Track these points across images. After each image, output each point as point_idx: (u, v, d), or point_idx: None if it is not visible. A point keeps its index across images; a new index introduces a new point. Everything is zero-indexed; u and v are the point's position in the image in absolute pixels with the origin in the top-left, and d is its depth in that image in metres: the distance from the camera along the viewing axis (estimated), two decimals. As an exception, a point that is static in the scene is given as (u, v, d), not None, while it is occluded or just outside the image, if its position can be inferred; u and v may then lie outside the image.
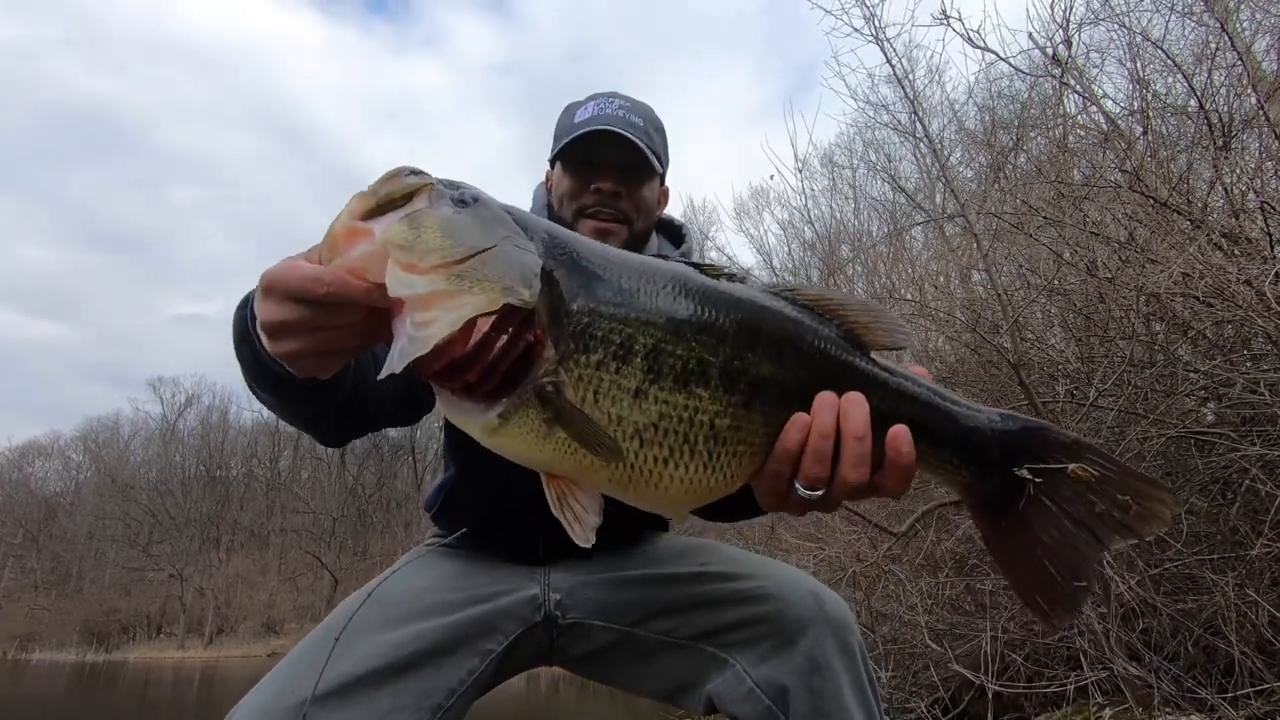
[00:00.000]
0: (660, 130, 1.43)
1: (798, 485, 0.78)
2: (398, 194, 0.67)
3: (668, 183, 1.50)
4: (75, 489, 48.07)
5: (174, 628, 38.22)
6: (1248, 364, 3.35)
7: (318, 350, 0.71)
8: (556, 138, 1.41)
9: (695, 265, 0.81)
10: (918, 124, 6.39)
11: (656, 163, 1.36)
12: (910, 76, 6.00)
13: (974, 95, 7.84)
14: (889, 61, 5.39)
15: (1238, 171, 3.76)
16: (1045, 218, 4.20)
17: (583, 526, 0.72)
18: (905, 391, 0.81)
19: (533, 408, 0.68)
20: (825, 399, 0.77)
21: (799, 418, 0.76)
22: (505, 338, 0.65)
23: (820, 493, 0.78)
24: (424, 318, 0.63)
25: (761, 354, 0.76)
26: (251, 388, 0.93)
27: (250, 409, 47.41)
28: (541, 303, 0.68)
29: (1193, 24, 4.89)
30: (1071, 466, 0.77)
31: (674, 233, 1.53)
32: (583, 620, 1.26)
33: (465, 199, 0.70)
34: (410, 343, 0.63)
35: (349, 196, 0.66)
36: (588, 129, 1.32)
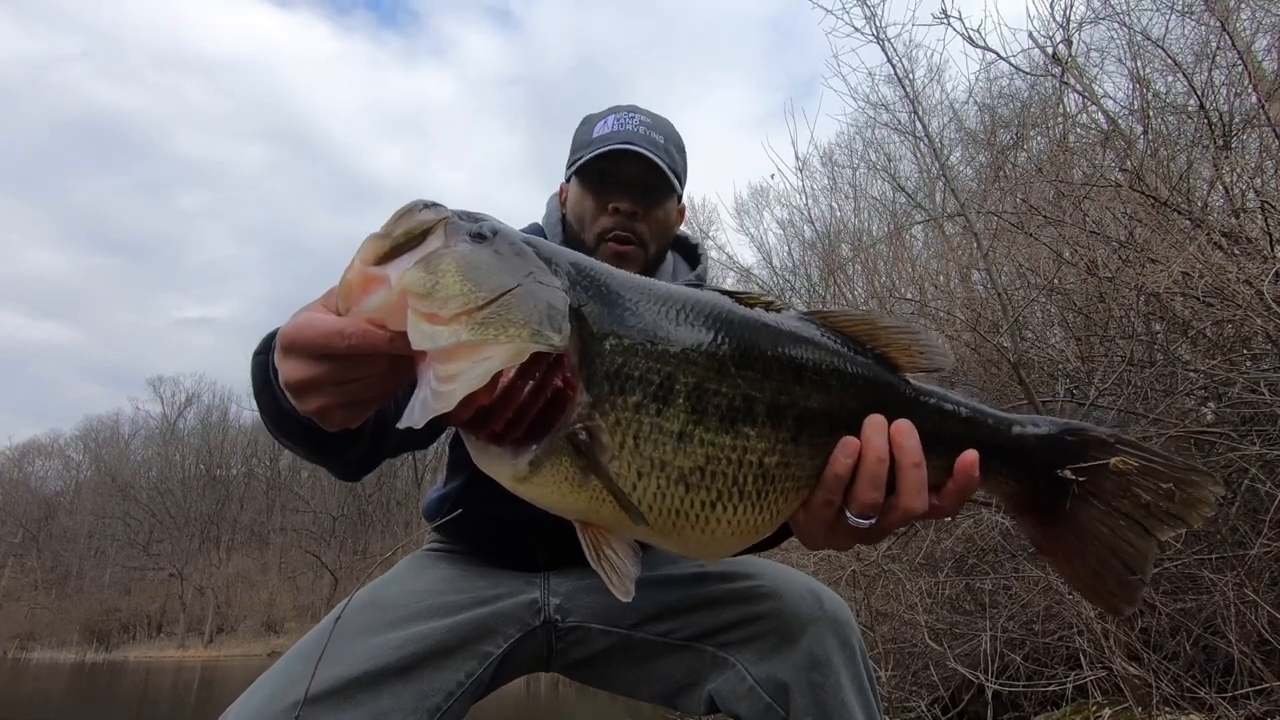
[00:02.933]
0: (681, 149, 1.40)
1: (848, 514, 0.75)
2: (413, 233, 0.63)
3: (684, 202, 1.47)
4: (75, 488, 48.10)
5: (174, 627, 38.26)
6: (1247, 363, 3.34)
7: (345, 404, 0.68)
8: (574, 150, 1.38)
9: (730, 294, 0.77)
10: (918, 123, 6.39)
11: (676, 182, 1.33)
12: (910, 76, 6.00)
13: (974, 94, 7.83)
14: (889, 61, 5.39)
15: (1238, 171, 3.76)
16: (1045, 217, 4.20)
17: (620, 578, 0.68)
18: (948, 410, 0.80)
19: (565, 455, 0.63)
20: (875, 422, 0.75)
21: (848, 442, 0.74)
22: (532, 384, 0.61)
23: (872, 520, 0.76)
24: (448, 371, 0.58)
25: (808, 385, 0.73)
26: (273, 433, 0.90)
27: (250, 409, 47.44)
28: (571, 343, 0.63)
29: (1193, 23, 4.89)
30: (1112, 461, 0.78)
31: (689, 251, 1.50)
32: (582, 624, 1.24)
33: (484, 233, 0.65)
34: (434, 397, 0.58)
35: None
36: (608, 146, 1.28)
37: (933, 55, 11.13)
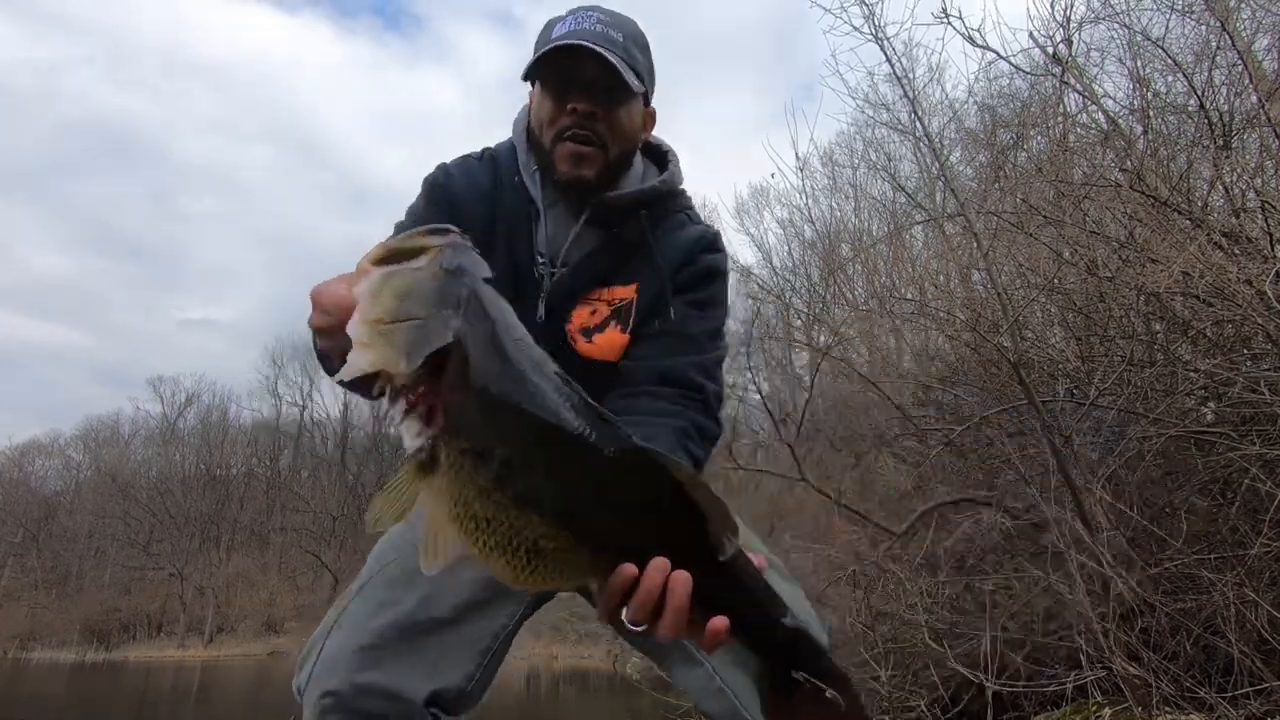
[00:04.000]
0: (643, 47, 1.36)
1: (623, 618, 0.82)
2: (406, 251, 0.80)
3: (654, 105, 1.44)
4: (75, 488, 48.11)
5: (174, 626, 38.22)
6: (1248, 363, 3.34)
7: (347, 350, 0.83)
8: (533, 53, 1.34)
9: (600, 414, 0.81)
10: (917, 123, 6.38)
11: (636, 81, 1.29)
12: (910, 76, 5.98)
13: (974, 94, 7.83)
14: (888, 60, 5.37)
15: (1238, 170, 3.76)
16: (1045, 217, 4.20)
17: (430, 554, 0.79)
18: (729, 578, 0.83)
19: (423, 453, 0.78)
20: (659, 564, 0.79)
21: (625, 571, 0.78)
22: (408, 396, 0.77)
23: (643, 628, 0.82)
24: (350, 355, 0.76)
25: (610, 508, 0.80)
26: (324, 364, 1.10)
27: (250, 408, 47.47)
28: (448, 377, 0.76)
29: (1193, 23, 4.88)
30: (828, 692, 0.84)
31: (658, 157, 1.48)
32: None
33: (452, 270, 0.79)
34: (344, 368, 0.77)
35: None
36: (561, 43, 1.26)
37: (932, 55, 11.10)
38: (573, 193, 1.35)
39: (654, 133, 1.50)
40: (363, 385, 0.81)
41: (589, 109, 1.28)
